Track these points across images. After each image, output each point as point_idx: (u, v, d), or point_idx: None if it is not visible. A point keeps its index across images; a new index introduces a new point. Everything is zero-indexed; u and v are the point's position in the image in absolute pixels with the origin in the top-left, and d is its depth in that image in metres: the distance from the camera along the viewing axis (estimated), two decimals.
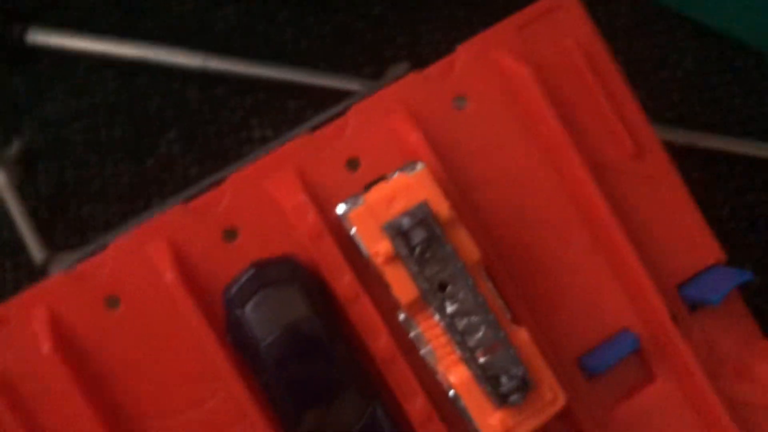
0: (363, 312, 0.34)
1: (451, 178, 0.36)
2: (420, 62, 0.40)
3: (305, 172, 0.36)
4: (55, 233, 0.58)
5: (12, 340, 0.34)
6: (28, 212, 0.56)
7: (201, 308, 0.34)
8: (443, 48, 0.39)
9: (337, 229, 0.35)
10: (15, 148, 0.59)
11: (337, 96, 0.61)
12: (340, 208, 0.34)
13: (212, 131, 0.60)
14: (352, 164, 0.36)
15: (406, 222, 0.32)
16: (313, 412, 0.33)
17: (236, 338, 0.34)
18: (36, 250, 0.56)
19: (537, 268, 0.37)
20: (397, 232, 0.32)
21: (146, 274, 0.35)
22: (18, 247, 0.57)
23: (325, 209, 0.35)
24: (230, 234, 0.36)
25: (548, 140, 0.37)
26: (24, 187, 0.58)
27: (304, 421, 0.33)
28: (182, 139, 0.60)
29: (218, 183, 0.36)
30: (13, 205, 0.56)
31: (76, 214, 0.58)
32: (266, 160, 0.36)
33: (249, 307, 0.33)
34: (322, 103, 0.60)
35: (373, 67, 0.62)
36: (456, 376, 0.32)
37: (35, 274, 0.56)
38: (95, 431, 0.33)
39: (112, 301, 0.35)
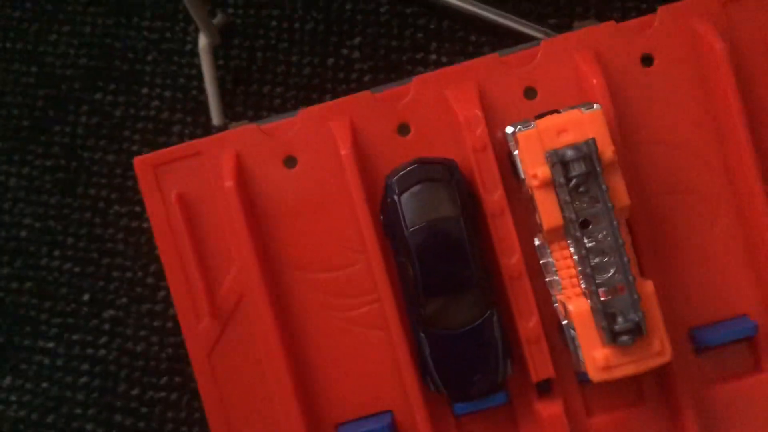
0: (504, 228, 0.37)
1: (620, 128, 0.37)
2: None
3: (485, 89, 0.39)
4: (234, 103, 0.64)
5: (202, 170, 0.39)
6: (217, 79, 0.62)
7: (364, 185, 0.38)
8: (633, 16, 0.40)
9: (500, 148, 0.38)
10: (218, 19, 0.65)
11: (518, 40, 0.62)
12: (510, 128, 0.36)
13: (394, 45, 0.64)
14: (530, 93, 0.39)
15: (570, 153, 0.34)
16: (437, 300, 0.37)
17: (387, 220, 0.37)
18: (216, 113, 0.62)
19: (675, 232, 0.38)
20: (560, 161, 0.34)
21: (325, 143, 0.39)
22: (202, 107, 0.63)
23: (493, 127, 0.38)
24: (404, 129, 0.39)
25: (725, 118, 0.38)
26: (217, 57, 0.64)
27: (426, 305, 0.37)
28: (365, 46, 0.64)
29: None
30: (207, 68, 0.62)
31: (257, 90, 0.64)
32: (452, 70, 0.39)
33: (405, 196, 0.37)
34: (502, 44, 0.62)
35: (560, 19, 0.63)
36: (575, 306, 0.35)
37: (209, 133, 0.62)
38: (248, 261, 0.38)
39: (290, 160, 0.39)
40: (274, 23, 0.65)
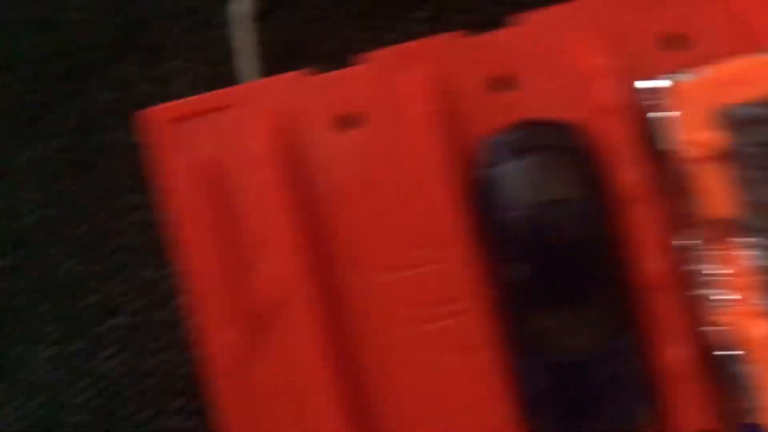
0: (644, 219, 0.27)
1: None
2: None
3: (613, 34, 0.29)
4: None
5: (231, 130, 0.30)
6: (255, 54, 0.53)
7: (446, 155, 0.28)
8: None
9: (637, 110, 0.28)
10: None
11: None
12: (643, 83, 0.26)
13: (472, 20, 0.54)
14: (674, 41, 0.29)
15: (757, 111, 0.24)
16: (546, 316, 0.26)
17: (480, 203, 0.27)
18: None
19: None
20: (742, 121, 0.24)
21: (396, 99, 0.29)
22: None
23: (628, 83, 0.28)
24: (504, 82, 0.29)
25: None
26: (258, 28, 0.55)
27: (530, 321, 0.26)
28: (436, 21, 0.54)
29: None
30: (242, 41, 0.52)
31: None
32: (563, 9, 0.29)
33: (507, 168, 0.27)
34: None
35: None
36: (755, 331, 0.24)
37: None
38: (291, 254, 0.28)
39: (347, 121, 0.30)
40: None
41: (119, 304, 0.51)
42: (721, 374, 0.26)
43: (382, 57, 0.29)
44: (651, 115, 0.27)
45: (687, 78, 0.25)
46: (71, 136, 0.55)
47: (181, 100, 0.30)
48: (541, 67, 0.29)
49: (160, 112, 0.30)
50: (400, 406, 0.29)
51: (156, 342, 0.50)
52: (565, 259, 0.26)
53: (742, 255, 0.25)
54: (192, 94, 0.58)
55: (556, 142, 0.27)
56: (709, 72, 0.25)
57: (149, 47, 0.57)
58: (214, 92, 0.30)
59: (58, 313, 0.51)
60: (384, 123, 0.29)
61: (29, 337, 0.50)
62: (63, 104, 0.56)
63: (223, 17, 0.55)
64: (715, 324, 0.26)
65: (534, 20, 0.29)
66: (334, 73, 0.30)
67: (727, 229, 0.25)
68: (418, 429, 0.29)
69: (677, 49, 0.28)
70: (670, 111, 0.26)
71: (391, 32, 0.55)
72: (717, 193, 0.25)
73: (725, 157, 0.24)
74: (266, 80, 0.30)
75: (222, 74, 0.56)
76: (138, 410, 0.48)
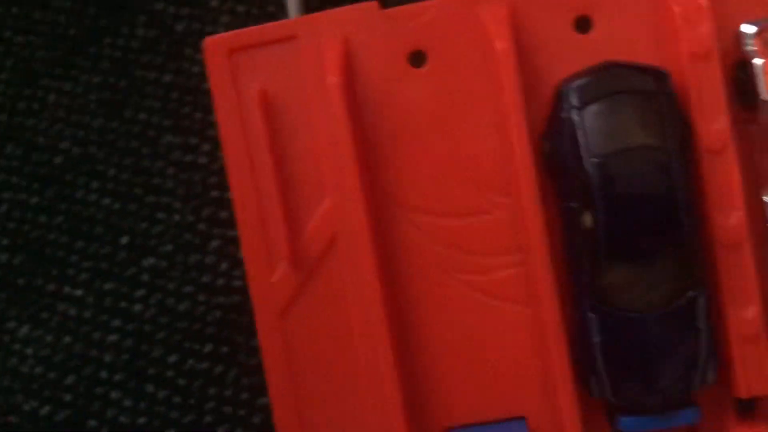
0: (723, 172, 0.26)
1: None
2: None
3: None
4: None
5: (295, 61, 0.28)
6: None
7: (524, 97, 0.27)
8: None
9: (729, 56, 0.26)
10: None
11: None
12: (750, 27, 0.25)
13: None
14: None
15: None
16: (622, 267, 0.25)
17: (556, 146, 0.26)
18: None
19: None
20: None
21: (470, 36, 0.28)
22: None
23: (724, 26, 0.26)
24: (582, 23, 0.28)
25: None
26: None
27: (605, 273, 0.25)
28: None
29: None
30: None
31: None
32: None
33: (591, 111, 0.25)
34: None
35: None
36: None
37: None
38: (350, 192, 0.27)
39: (417, 57, 0.28)
40: None
41: (152, 246, 0.50)
42: None
43: None
44: (755, 61, 0.25)
45: None
46: (108, 73, 0.54)
47: (245, 30, 0.28)
48: (624, 7, 0.27)
49: (222, 41, 0.28)
50: (445, 352, 0.28)
51: (188, 286, 0.49)
52: (638, 210, 0.25)
53: None
54: None
55: (637, 87, 0.25)
56: None
57: None
58: (279, 22, 0.28)
59: (92, 252, 0.51)
60: (456, 61, 0.28)
61: (63, 275, 0.50)
62: (101, 40, 0.55)
63: None
64: None
65: None
66: (408, 6, 0.28)
67: None
68: (465, 375, 0.28)
69: None
70: (758, 60, 0.24)
71: None
72: None
73: None
74: (333, 11, 0.28)
75: (259, 15, 0.54)
76: (168, 353, 0.48)
